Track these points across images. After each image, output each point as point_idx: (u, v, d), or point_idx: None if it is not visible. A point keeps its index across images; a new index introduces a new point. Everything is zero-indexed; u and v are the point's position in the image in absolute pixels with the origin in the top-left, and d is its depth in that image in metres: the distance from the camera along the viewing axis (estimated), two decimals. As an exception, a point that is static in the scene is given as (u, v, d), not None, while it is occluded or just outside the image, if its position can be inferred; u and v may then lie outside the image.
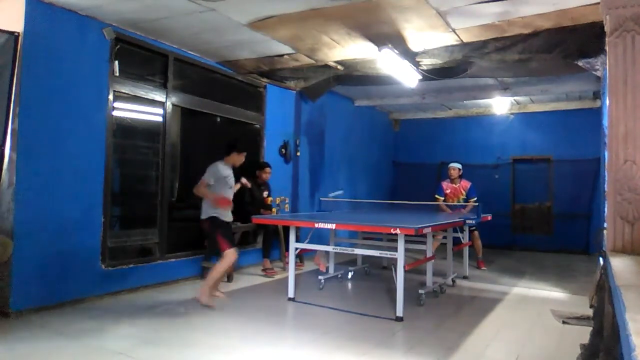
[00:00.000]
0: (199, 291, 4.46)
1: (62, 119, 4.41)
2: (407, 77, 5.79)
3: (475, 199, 6.91)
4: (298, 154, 7.74)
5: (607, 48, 2.60)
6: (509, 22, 4.34)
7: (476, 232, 6.97)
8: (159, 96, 5.42)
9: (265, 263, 6.33)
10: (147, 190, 5.46)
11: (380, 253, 4.74)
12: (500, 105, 9.19)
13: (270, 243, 6.46)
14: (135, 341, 3.49)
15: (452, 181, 7.08)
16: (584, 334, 3.16)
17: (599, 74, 5.19)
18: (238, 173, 4.97)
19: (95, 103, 4.71)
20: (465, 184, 7.07)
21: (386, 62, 5.34)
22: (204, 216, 4.61)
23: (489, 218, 6.41)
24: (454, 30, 4.61)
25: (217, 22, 4.66)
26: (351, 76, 6.49)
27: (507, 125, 9.92)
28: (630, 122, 2.45)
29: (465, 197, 7.03)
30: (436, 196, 7.19)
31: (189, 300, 4.74)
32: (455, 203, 7.01)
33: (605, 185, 2.76)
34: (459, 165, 7.10)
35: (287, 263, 5.49)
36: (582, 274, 6.58)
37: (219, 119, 6.56)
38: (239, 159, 4.79)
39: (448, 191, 7.12)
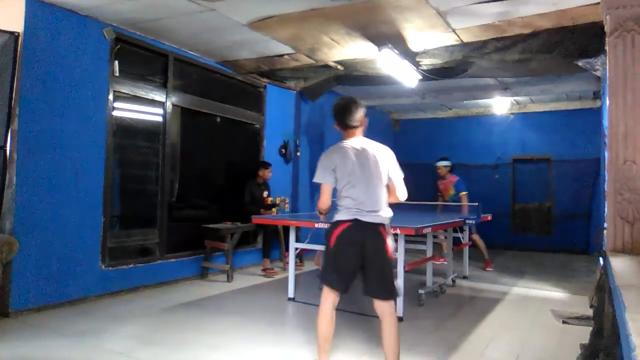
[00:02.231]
0: None
1: (62, 119, 4.41)
2: (407, 77, 5.79)
3: (466, 192, 6.99)
4: (298, 154, 7.74)
5: (607, 48, 2.60)
6: (509, 22, 4.34)
7: (475, 235, 6.96)
8: (159, 96, 5.42)
9: (265, 263, 6.33)
10: (147, 190, 5.46)
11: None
12: (500, 105, 9.19)
13: (270, 243, 6.46)
14: (135, 341, 3.49)
15: (442, 177, 7.23)
16: (584, 334, 3.16)
17: (599, 74, 5.18)
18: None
19: (95, 103, 4.70)
20: (453, 178, 7.17)
21: (386, 62, 5.34)
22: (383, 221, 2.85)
23: (489, 218, 6.40)
24: (454, 30, 4.61)
25: (217, 22, 4.66)
26: (351, 76, 6.48)
27: (507, 125, 9.91)
28: (630, 122, 2.45)
29: (454, 192, 7.10)
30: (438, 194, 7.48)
31: (189, 300, 4.74)
32: (448, 201, 7.13)
33: (605, 185, 2.76)
34: (444, 163, 7.19)
35: (287, 263, 5.49)
36: (582, 274, 6.58)
37: (219, 119, 6.56)
38: None
39: (441, 187, 7.30)
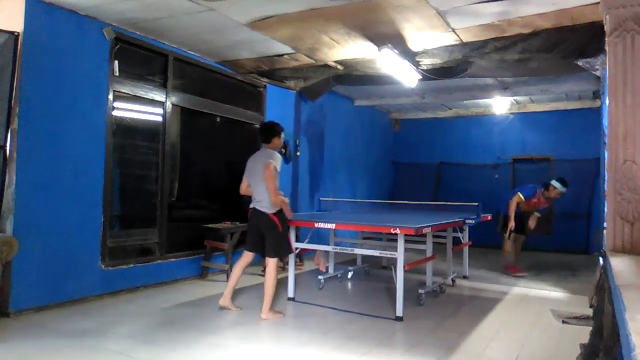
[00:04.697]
0: None
1: (62, 119, 4.41)
2: (407, 77, 5.79)
3: (540, 216, 6.80)
4: (298, 154, 7.73)
5: (607, 48, 2.60)
6: (509, 22, 4.34)
7: (509, 243, 6.65)
8: (159, 96, 5.42)
9: (265, 263, 6.32)
10: (147, 190, 5.45)
11: (380, 253, 4.74)
12: (500, 105, 9.19)
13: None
14: (135, 341, 3.49)
15: (547, 198, 6.62)
16: (584, 334, 3.16)
17: (599, 74, 5.18)
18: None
19: (95, 103, 4.70)
20: (548, 204, 6.74)
21: (386, 62, 5.34)
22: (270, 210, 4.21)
23: (489, 218, 6.40)
24: (454, 30, 4.61)
25: (217, 22, 4.66)
26: (351, 76, 6.48)
27: (507, 125, 9.92)
28: (630, 122, 2.45)
29: (539, 209, 6.77)
30: (520, 194, 6.54)
31: (189, 300, 4.74)
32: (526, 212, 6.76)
33: (605, 185, 2.76)
34: (564, 190, 6.47)
35: (287, 263, 5.49)
36: (582, 274, 6.58)
37: (219, 119, 6.56)
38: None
39: (535, 200, 6.64)
